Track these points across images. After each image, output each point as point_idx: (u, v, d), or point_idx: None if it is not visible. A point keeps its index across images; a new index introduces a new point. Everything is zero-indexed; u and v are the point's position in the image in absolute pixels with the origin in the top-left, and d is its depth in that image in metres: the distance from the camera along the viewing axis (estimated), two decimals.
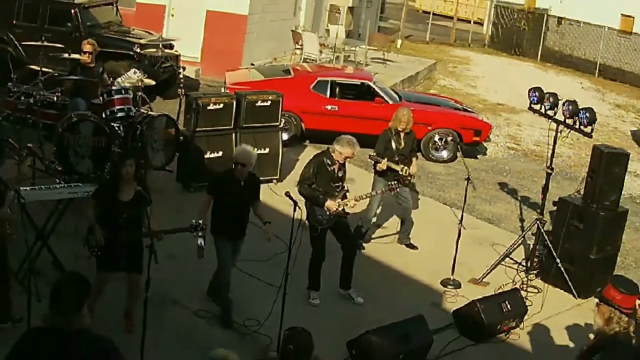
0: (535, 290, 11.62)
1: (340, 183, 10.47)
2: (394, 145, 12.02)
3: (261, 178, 13.89)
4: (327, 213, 10.21)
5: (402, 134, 12.12)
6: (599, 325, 6.63)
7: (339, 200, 10.27)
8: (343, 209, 10.35)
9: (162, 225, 8.80)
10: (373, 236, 12.85)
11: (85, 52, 13.62)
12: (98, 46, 14.16)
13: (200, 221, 8.56)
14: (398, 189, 11.58)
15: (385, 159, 11.74)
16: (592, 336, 6.98)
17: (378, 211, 12.62)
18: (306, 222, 10.05)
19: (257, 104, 14.27)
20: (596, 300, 6.82)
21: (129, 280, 8.93)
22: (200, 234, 8.63)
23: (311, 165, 10.44)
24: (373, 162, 11.94)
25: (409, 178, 12.28)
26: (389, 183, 11.53)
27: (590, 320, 10.65)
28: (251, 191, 9.76)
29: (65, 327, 5.14)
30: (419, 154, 13.99)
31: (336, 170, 10.37)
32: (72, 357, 5.13)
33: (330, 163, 10.33)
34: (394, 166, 11.82)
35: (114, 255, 8.56)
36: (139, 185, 8.75)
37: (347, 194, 10.48)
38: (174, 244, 10.13)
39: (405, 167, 11.97)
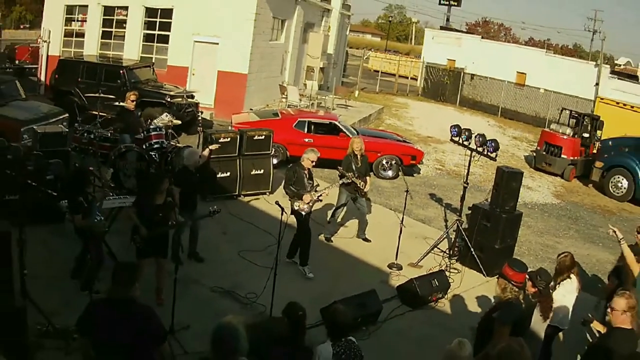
0: (456, 271, 11.66)
1: (311, 181, 10.69)
2: (353, 165, 12.10)
3: (256, 191, 14.16)
4: (304, 205, 10.43)
5: (358, 156, 12.20)
6: (497, 293, 6.74)
7: (313, 192, 10.51)
8: (318, 197, 10.61)
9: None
10: (338, 232, 12.87)
11: (132, 101, 13.74)
12: (139, 97, 14.42)
13: (216, 207, 8.82)
14: (341, 184, 11.80)
15: (351, 173, 11.83)
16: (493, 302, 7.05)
17: (342, 213, 12.69)
18: (292, 215, 10.27)
19: (254, 138, 14.27)
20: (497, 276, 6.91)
21: (158, 263, 8.84)
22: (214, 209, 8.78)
23: (290, 171, 10.72)
24: (339, 174, 11.98)
25: (365, 192, 12.35)
26: (343, 180, 11.71)
27: (495, 292, 10.85)
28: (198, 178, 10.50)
29: (122, 296, 5.25)
30: (371, 173, 14.00)
31: (306, 174, 10.63)
32: (125, 318, 5.21)
33: (301, 169, 10.59)
34: (355, 180, 11.91)
35: (150, 245, 8.51)
36: (167, 194, 8.81)
37: (317, 187, 10.73)
38: None
39: (362, 182, 12.07)
